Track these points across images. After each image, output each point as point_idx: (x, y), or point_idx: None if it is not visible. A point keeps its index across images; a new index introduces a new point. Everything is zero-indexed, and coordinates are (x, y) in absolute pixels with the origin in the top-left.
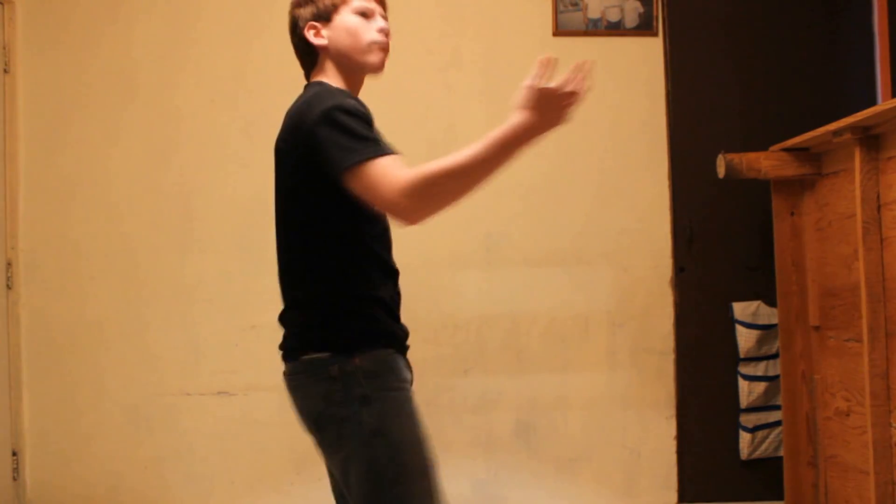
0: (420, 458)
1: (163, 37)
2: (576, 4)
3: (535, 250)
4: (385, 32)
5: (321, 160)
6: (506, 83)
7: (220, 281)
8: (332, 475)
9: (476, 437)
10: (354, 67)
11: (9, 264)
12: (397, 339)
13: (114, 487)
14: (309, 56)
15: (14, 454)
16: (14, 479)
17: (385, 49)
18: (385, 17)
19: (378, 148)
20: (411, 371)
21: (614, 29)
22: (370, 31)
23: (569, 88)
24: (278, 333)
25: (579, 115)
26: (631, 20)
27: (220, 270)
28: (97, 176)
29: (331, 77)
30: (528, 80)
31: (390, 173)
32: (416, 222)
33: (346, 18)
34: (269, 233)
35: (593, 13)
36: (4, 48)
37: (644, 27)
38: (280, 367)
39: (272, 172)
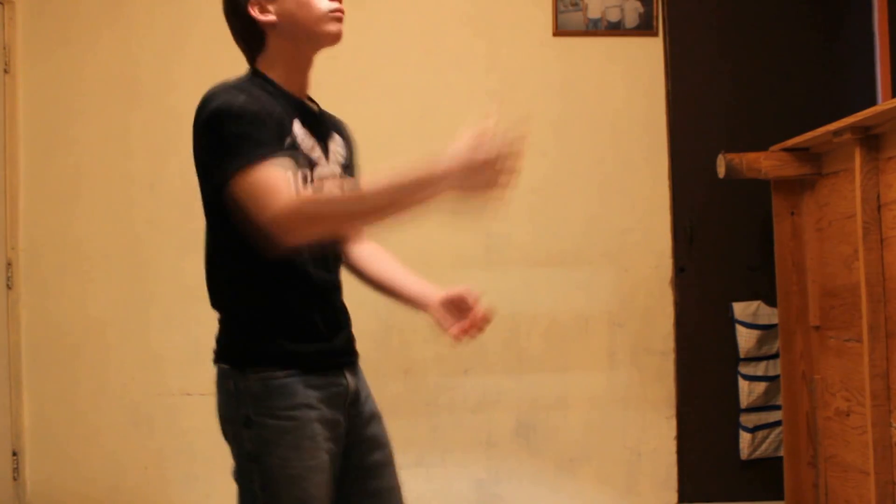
0: (297, 493)
1: (163, 37)
2: (576, 4)
3: (536, 250)
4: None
5: (205, 172)
6: (506, 83)
7: None
8: None
9: (476, 437)
10: (309, 42)
11: (9, 264)
12: (303, 358)
13: (114, 487)
14: (253, 38)
15: (14, 454)
16: (14, 479)
17: (341, 17)
18: None
19: (259, 154)
20: (343, 382)
21: (614, 29)
22: (323, 1)
23: (505, 154)
24: None
25: (580, 115)
26: (631, 20)
27: None
28: (97, 176)
29: (277, 61)
30: (470, 134)
31: (271, 188)
32: (289, 245)
33: None
34: None
35: (593, 13)
36: (4, 48)
37: (644, 27)
38: None
39: None
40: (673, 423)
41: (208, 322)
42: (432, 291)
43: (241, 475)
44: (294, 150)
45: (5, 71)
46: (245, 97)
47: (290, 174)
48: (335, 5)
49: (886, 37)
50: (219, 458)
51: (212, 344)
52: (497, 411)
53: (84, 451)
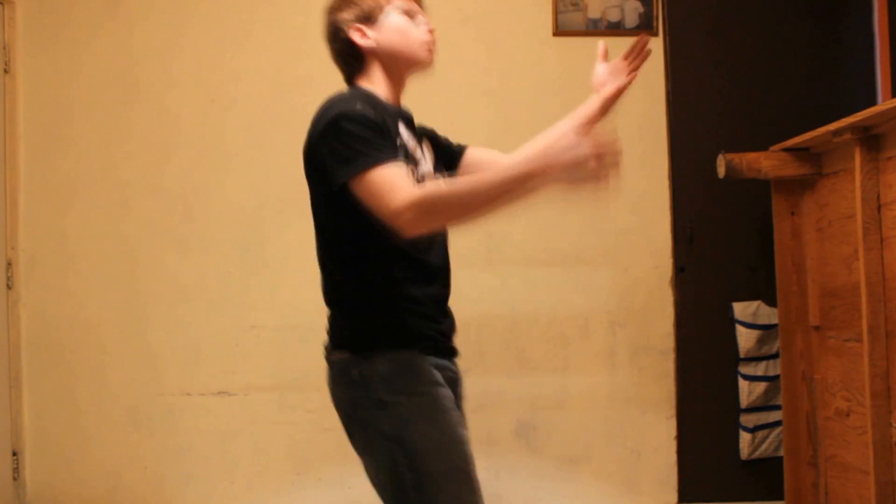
0: (445, 464)
1: (163, 37)
2: (576, 4)
3: (535, 250)
4: (431, 29)
5: (325, 171)
6: (506, 83)
7: (220, 281)
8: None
9: (476, 436)
10: (404, 66)
11: (9, 264)
12: (424, 338)
13: (114, 487)
14: (354, 59)
15: (14, 454)
16: (14, 479)
17: (432, 47)
18: (425, 16)
19: (380, 155)
20: (454, 370)
21: (614, 29)
22: (419, 30)
23: (608, 148)
24: (278, 333)
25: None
26: (631, 20)
27: (220, 270)
28: (97, 176)
29: (376, 79)
30: (575, 128)
31: (393, 185)
32: (412, 236)
33: (393, 18)
34: (268, 233)
35: (593, 13)
36: (4, 48)
37: (644, 27)
38: (280, 367)
39: (272, 172)
40: (673, 423)
41: (208, 322)
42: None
43: (383, 462)
44: (404, 151)
45: (5, 71)
46: (361, 104)
47: (407, 172)
48: (429, 37)
49: (886, 37)
50: (218, 458)
51: (212, 344)
52: (497, 411)
53: (84, 450)
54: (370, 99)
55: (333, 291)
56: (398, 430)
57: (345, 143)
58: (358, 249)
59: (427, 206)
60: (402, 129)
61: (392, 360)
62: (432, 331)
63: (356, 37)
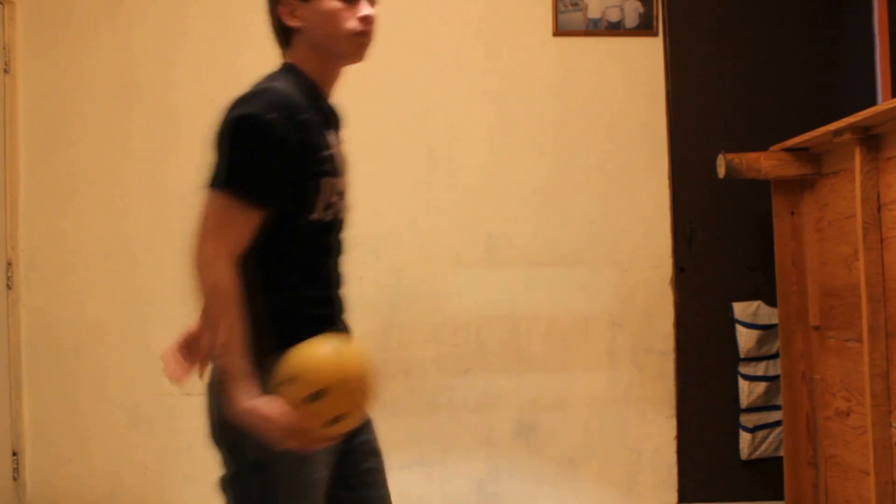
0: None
1: (163, 36)
2: (576, 4)
3: (536, 251)
4: (368, 20)
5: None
6: (506, 83)
7: None
8: None
9: (476, 437)
10: (328, 57)
11: (9, 264)
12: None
13: (114, 487)
14: (283, 36)
15: (14, 454)
16: (14, 479)
17: (366, 40)
18: (372, 2)
19: (249, 187)
20: None
21: (614, 29)
22: (350, 19)
23: (300, 432)
24: None
25: (580, 115)
26: (631, 20)
27: None
28: (97, 176)
29: (305, 61)
30: (275, 408)
31: (227, 231)
32: (188, 271)
33: (325, 2)
34: None
35: (593, 13)
36: (4, 48)
37: (644, 27)
38: None
39: None
40: (673, 423)
41: None
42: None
43: (236, 485)
44: (330, 162)
45: (5, 71)
46: (276, 111)
47: (247, 231)
48: (362, 28)
49: (886, 37)
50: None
51: None
52: (497, 411)
53: (84, 451)
54: (291, 101)
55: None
56: (263, 460)
57: (231, 150)
58: (257, 257)
59: (210, 288)
60: (331, 134)
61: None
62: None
63: (284, 14)
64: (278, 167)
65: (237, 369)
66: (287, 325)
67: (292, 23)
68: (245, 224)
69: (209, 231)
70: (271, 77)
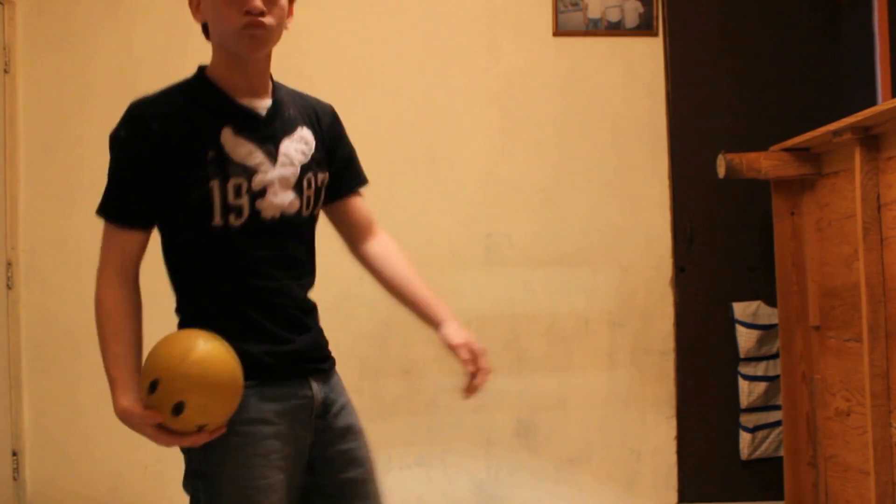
0: None
1: (163, 36)
2: (576, 4)
3: (536, 250)
4: (254, 11)
5: None
6: (506, 83)
7: None
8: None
9: (476, 437)
10: (228, 52)
11: (9, 264)
12: (255, 364)
13: (114, 487)
14: (204, 32)
15: (14, 454)
16: (14, 479)
17: (253, 32)
18: None
19: (111, 209)
20: (310, 398)
21: (614, 29)
22: (236, 13)
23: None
24: None
25: (580, 115)
26: (631, 20)
27: None
28: (97, 176)
29: (214, 58)
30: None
31: (108, 250)
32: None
33: None
34: None
35: (593, 13)
36: (4, 48)
37: (644, 27)
38: None
39: None
40: (673, 423)
41: None
42: (444, 317)
43: (188, 490)
44: (220, 164)
45: (5, 71)
46: (128, 125)
47: (130, 250)
48: (248, 19)
49: (886, 37)
50: None
51: None
52: (497, 411)
53: (84, 451)
54: (146, 111)
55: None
56: (206, 468)
57: (109, 170)
58: (181, 266)
59: (96, 305)
60: (227, 134)
61: None
62: (267, 352)
63: (191, 8)
64: (133, 183)
65: (110, 374)
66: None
67: (197, 18)
68: (121, 244)
69: (100, 265)
70: (151, 95)
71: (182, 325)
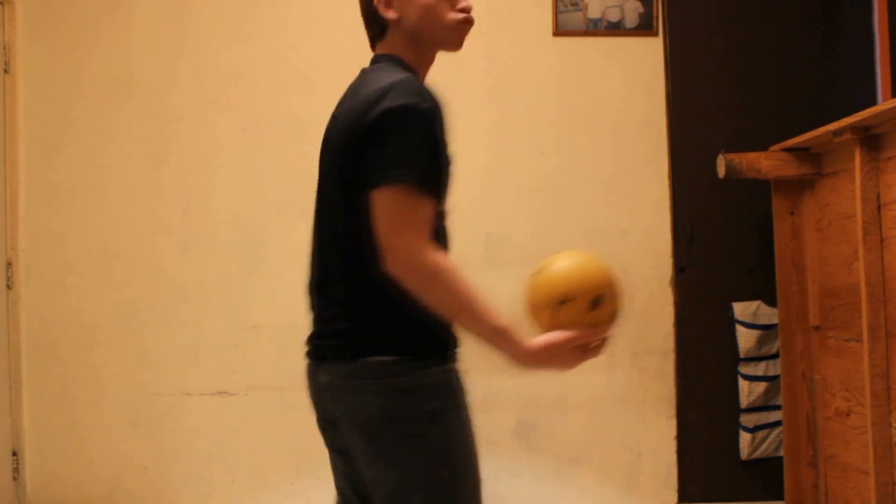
0: (475, 481)
1: (162, 36)
2: (576, 4)
3: (536, 250)
4: (467, 9)
5: (370, 157)
6: (506, 83)
7: (220, 281)
8: (341, 486)
9: (476, 436)
10: (428, 47)
11: (9, 264)
12: (456, 344)
13: (114, 487)
14: (376, 25)
15: (14, 454)
16: (14, 479)
17: (465, 28)
18: None
19: (427, 179)
20: None
21: (614, 29)
22: (450, 10)
23: (588, 344)
24: (278, 333)
25: (580, 115)
26: (631, 20)
27: (220, 270)
28: (97, 176)
29: (401, 52)
30: (559, 334)
31: (423, 223)
32: (391, 277)
33: None
34: (268, 233)
35: (593, 13)
36: (4, 48)
37: (644, 27)
38: (280, 367)
39: (272, 172)
40: (673, 423)
41: (208, 322)
42: None
43: (422, 478)
44: (447, 162)
45: (5, 71)
46: (429, 103)
47: (432, 222)
48: (462, 16)
49: (886, 37)
50: (218, 458)
51: (212, 344)
52: (497, 411)
53: (84, 451)
54: (431, 91)
55: (370, 290)
56: (449, 445)
57: (402, 144)
58: None
59: (430, 276)
60: None
61: (445, 368)
62: (457, 336)
63: (380, 6)
64: (438, 156)
65: (499, 327)
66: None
67: (389, 14)
68: (430, 214)
69: (405, 225)
70: (382, 69)
71: (388, 307)
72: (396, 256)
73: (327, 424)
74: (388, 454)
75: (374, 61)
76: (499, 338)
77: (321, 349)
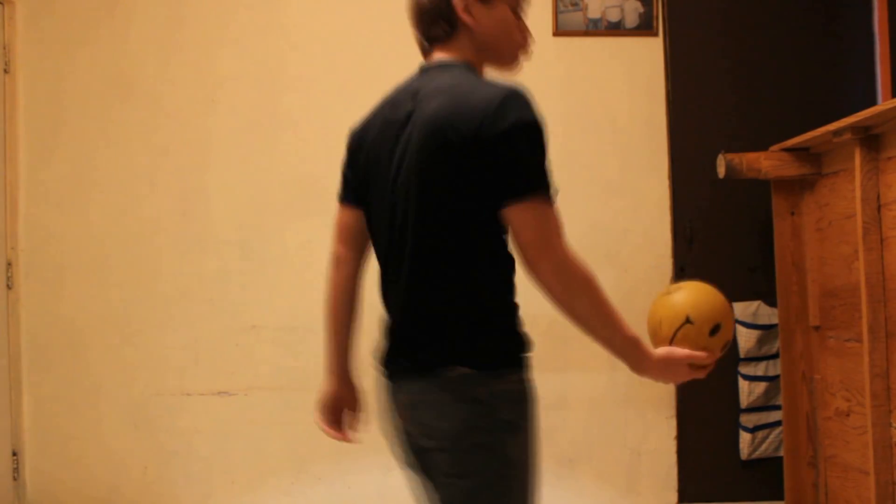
0: (536, 495)
1: (162, 36)
2: (576, 4)
3: None
4: (529, 37)
5: (501, 173)
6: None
7: (220, 281)
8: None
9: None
10: (492, 59)
11: (9, 264)
12: (530, 352)
13: (114, 487)
14: (445, 23)
15: (14, 454)
16: (14, 479)
17: (526, 57)
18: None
19: (551, 189)
20: None
21: (614, 29)
22: (520, 33)
23: (702, 363)
24: (278, 333)
25: (580, 115)
26: (631, 20)
27: (220, 270)
28: (97, 176)
29: (470, 59)
30: (681, 350)
31: (560, 228)
32: (538, 281)
33: (504, 10)
34: (268, 233)
35: (593, 13)
36: (4, 48)
37: (644, 27)
38: (280, 367)
39: (272, 172)
40: (673, 423)
41: (208, 322)
42: (346, 378)
43: (497, 488)
44: None
45: (5, 71)
46: (539, 116)
47: None
48: (528, 42)
49: (886, 37)
50: (218, 458)
51: (212, 344)
52: None
53: (84, 451)
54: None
55: (450, 301)
56: (523, 456)
57: (536, 157)
58: (490, 254)
59: (584, 285)
60: None
61: (521, 378)
62: (529, 341)
63: (459, 7)
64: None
65: (634, 337)
66: (515, 312)
67: (465, 18)
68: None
69: (553, 237)
70: (465, 75)
71: (469, 318)
72: (552, 265)
73: (411, 447)
74: (464, 463)
75: (445, 65)
76: (632, 347)
77: (403, 367)
